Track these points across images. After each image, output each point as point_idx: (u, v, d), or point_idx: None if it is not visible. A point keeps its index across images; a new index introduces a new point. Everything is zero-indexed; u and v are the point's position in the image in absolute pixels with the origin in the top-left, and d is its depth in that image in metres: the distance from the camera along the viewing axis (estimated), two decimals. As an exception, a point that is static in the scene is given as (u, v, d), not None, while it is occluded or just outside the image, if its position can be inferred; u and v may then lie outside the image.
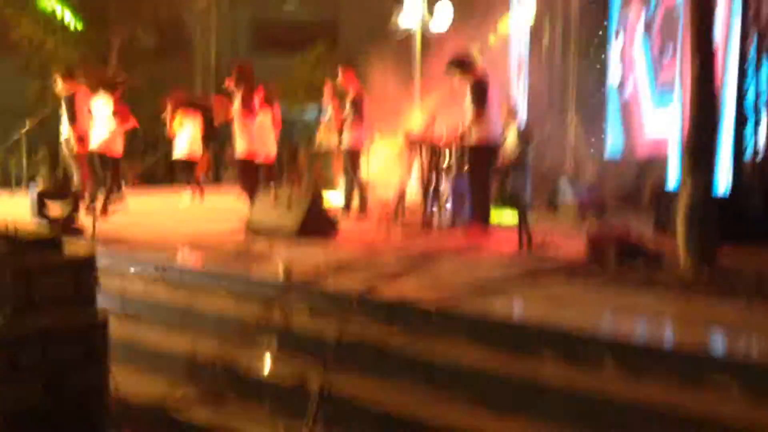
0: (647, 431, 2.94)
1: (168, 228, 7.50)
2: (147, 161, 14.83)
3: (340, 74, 8.89)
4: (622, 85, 11.14)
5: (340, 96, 9.08)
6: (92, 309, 3.65)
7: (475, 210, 7.48)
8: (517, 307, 4.19)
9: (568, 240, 6.18)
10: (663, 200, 7.09)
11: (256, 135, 8.12)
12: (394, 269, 4.91)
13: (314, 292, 4.42)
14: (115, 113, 8.73)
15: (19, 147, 11.16)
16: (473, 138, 7.31)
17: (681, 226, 5.00)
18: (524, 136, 10.11)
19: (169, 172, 13.06)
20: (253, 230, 6.70)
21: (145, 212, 9.32)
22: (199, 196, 10.67)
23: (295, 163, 11.66)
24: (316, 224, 6.51)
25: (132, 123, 9.26)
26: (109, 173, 8.66)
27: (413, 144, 7.91)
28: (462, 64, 7.39)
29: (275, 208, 6.63)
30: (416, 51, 13.42)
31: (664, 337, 3.64)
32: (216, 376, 4.11)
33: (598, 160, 11.06)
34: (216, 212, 9.42)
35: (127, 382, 3.89)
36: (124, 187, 9.42)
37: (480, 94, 7.22)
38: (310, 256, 5.50)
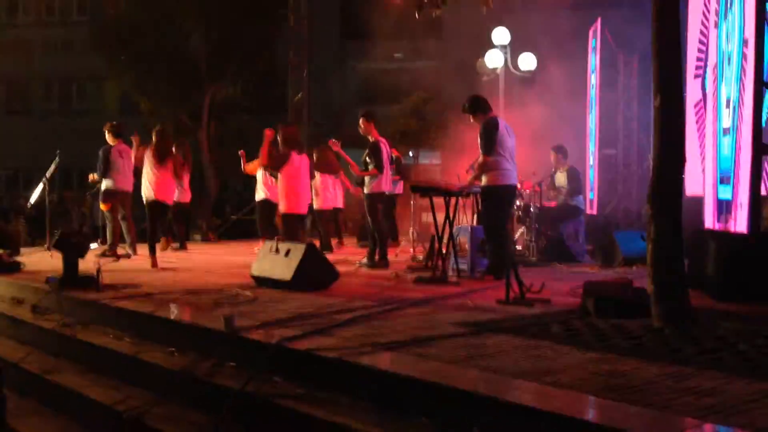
0: None
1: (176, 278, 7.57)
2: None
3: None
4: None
5: None
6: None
7: (489, 258, 7.17)
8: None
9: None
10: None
11: None
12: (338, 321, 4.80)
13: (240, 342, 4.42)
14: None
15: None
16: (483, 181, 7.06)
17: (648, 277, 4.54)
18: (574, 179, 9.61)
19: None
20: (256, 280, 6.78)
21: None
22: None
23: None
24: (313, 274, 6.48)
25: None
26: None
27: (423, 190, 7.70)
28: (473, 106, 7.19)
29: (275, 259, 6.68)
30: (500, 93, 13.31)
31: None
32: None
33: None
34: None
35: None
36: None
37: (488, 135, 6.98)
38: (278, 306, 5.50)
